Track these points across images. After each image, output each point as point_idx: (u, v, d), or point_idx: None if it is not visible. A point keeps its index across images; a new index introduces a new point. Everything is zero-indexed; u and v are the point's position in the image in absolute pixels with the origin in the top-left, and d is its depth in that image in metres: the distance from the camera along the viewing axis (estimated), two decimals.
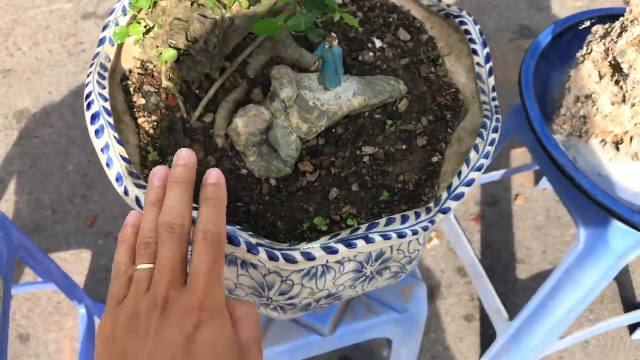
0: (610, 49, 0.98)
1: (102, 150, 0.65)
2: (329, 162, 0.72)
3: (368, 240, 0.62)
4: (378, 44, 0.82)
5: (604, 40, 1.00)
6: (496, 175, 1.63)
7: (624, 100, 0.98)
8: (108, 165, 0.64)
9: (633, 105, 0.98)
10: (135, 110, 0.73)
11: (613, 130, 1.02)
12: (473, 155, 0.68)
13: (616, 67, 0.98)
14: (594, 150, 1.08)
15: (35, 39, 1.86)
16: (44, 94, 1.72)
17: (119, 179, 0.64)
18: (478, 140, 0.69)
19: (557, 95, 1.08)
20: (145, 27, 0.67)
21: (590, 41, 1.03)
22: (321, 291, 0.72)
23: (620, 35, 0.97)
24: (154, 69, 0.74)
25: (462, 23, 0.79)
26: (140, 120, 0.72)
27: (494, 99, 0.75)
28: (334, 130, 0.75)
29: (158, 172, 0.53)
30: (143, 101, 0.73)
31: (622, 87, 0.98)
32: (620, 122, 0.99)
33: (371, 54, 0.80)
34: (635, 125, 1.01)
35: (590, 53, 1.01)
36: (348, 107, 0.73)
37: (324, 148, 0.74)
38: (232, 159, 0.71)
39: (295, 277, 0.69)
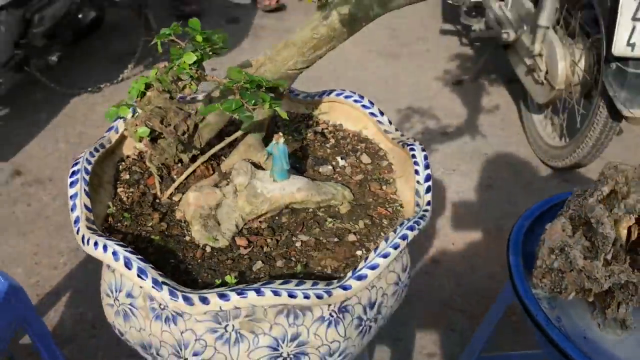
0: (583, 206, 1.02)
1: (71, 197, 0.79)
2: (263, 242, 0.80)
3: (259, 293, 0.68)
4: (341, 162, 0.94)
5: (578, 199, 1.04)
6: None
7: (596, 256, 0.99)
8: (72, 209, 0.78)
9: (606, 262, 0.98)
10: (118, 182, 0.88)
11: (591, 288, 1.01)
12: (382, 245, 0.74)
13: (588, 224, 1.01)
14: (581, 313, 1.06)
15: None
16: None
17: (77, 221, 0.77)
18: (390, 234, 0.76)
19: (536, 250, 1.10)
20: (134, 111, 0.84)
21: (569, 200, 1.07)
22: None
23: (592, 194, 1.01)
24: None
25: (412, 149, 0.90)
26: (119, 190, 0.86)
27: (425, 210, 0.82)
28: (277, 218, 0.84)
29: None
30: (127, 177, 0.88)
31: (593, 242, 0.99)
32: (596, 279, 0.99)
33: (330, 167, 0.92)
34: (620, 289, 1.00)
35: (567, 210, 1.05)
36: (290, 198, 0.83)
37: (264, 231, 0.83)
38: (182, 228, 0.82)
39: (208, 337, 0.75)
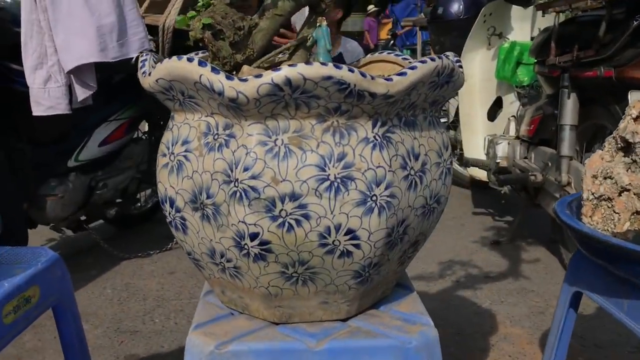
0: (617, 137, 1.05)
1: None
2: None
3: (307, 62, 0.74)
4: None
5: (613, 134, 1.08)
6: None
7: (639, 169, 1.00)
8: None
9: None
10: None
11: None
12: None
13: (624, 147, 1.03)
14: None
15: None
16: None
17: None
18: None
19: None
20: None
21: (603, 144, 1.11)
22: (283, 180, 0.77)
23: (622, 119, 1.06)
24: None
25: None
26: None
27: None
28: None
29: None
30: None
31: (634, 160, 1.01)
32: None
33: None
34: None
35: (602, 149, 1.08)
36: None
37: None
38: None
39: (259, 150, 0.78)
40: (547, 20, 2.89)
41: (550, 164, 2.45)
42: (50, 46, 2.07)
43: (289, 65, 0.74)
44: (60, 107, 2.14)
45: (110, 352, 1.93)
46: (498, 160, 2.88)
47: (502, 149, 2.90)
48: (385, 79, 0.76)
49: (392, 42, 6.84)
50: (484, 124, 3.24)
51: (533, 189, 2.58)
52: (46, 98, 2.12)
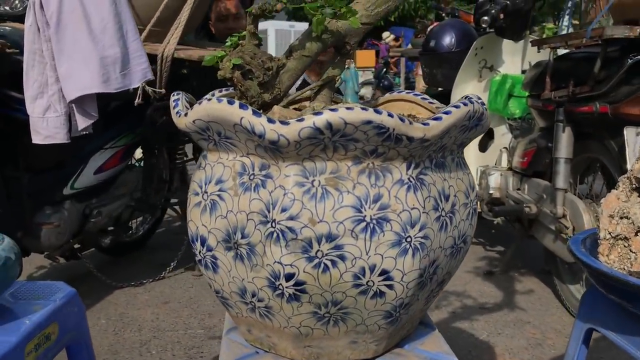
0: (632, 177, 1.08)
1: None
2: None
3: (348, 108, 0.75)
4: None
5: (627, 175, 1.10)
6: None
7: None
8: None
9: None
10: None
11: None
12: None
13: (639, 189, 1.06)
14: None
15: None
16: None
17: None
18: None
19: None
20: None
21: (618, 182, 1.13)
22: (320, 221, 0.78)
23: (637, 161, 1.08)
24: None
25: None
26: None
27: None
28: None
29: None
30: None
31: None
32: None
33: None
34: None
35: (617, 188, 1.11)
36: None
37: None
38: None
39: (296, 191, 0.79)
40: (536, 55, 2.96)
41: (544, 196, 2.48)
42: (52, 76, 2.07)
43: (330, 109, 0.75)
44: (58, 136, 2.12)
45: None
46: (491, 191, 2.92)
47: (494, 180, 2.94)
48: (423, 124, 0.78)
49: (384, 70, 6.97)
50: (475, 155, 3.28)
51: (527, 220, 2.61)
52: (45, 127, 2.11)
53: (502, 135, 3.22)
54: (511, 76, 3.06)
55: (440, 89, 3.65)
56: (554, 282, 2.57)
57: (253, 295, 0.85)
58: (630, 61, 1.97)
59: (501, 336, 2.24)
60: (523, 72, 3.13)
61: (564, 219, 2.32)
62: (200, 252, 0.88)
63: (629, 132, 1.97)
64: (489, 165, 3.12)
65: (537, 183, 2.60)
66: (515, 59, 3.25)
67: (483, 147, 3.30)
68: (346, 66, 0.95)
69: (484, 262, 3.10)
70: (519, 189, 2.80)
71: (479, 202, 2.98)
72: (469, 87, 3.25)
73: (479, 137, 3.28)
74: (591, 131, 2.24)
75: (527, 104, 2.74)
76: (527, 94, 2.73)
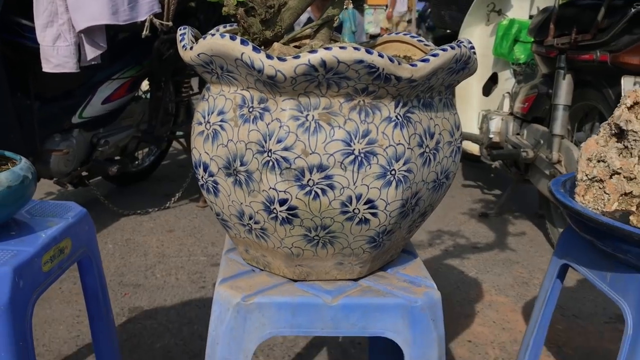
0: (612, 124, 1.14)
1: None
2: None
3: (342, 47, 0.81)
4: None
5: (608, 121, 1.16)
6: None
7: (631, 154, 1.09)
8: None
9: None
10: None
11: (632, 191, 1.08)
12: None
13: (618, 133, 1.12)
14: None
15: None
16: None
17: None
18: None
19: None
20: None
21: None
22: (313, 153, 0.85)
23: (617, 108, 1.14)
24: None
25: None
26: None
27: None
28: None
29: None
30: None
31: (626, 146, 1.10)
32: (634, 177, 1.07)
33: None
34: None
35: (597, 134, 1.17)
36: None
37: None
38: None
39: (291, 124, 0.85)
40: (545, 0, 2.95)
41: (542, 142, 2.54)
42: (62, 5, 2.10)
43: (325, 48, 0.81)
44: (68, 65, 2.18)
45: (115, 304, 2.02)
46: (491, 135, 2.97)
47: (495, 125, 2.98)
48: (410, 65, 0.84)
49: (429, 10, 6.93)
50: (478, 99, 3.32)
51: (524, 165, 2.67)
52: (55, 56, 2.16)
53: (506, 80, 3.24)
54: (518, 21, 3.06)
55: (448, 30, 3.65)
56: (546, 226, 2.65)
57: (250, 218, 0.93)
58: (633, 10, 1.99)
59: (489, 274, 2.34)
60: (531, 17, 3.12)
61: (558, 165, 2.39)
62: (202, 177, 0.96)
63: (626, 81, 2.01)
64: (491, 109, 3.16)
65: (535, 129, 2.65)
66: (524, 3, 3.23)
67: (487, 92, 3.33)
68: (344, 7, 1.00)
69: (479, 204, 3.18)
70: (518, 134, 2.85)
71: (479, 146, 3.05)
72: (476, 30, 3.26)
73: (484, 82, 3.31)
74: (591, 79, 2.27)
75: (531, 50, 2.76)
76: (532, 39, 2.74)
